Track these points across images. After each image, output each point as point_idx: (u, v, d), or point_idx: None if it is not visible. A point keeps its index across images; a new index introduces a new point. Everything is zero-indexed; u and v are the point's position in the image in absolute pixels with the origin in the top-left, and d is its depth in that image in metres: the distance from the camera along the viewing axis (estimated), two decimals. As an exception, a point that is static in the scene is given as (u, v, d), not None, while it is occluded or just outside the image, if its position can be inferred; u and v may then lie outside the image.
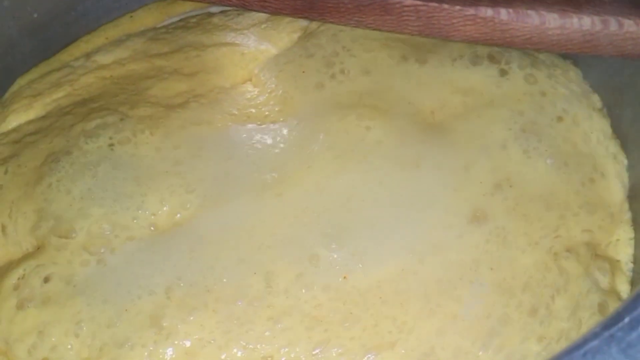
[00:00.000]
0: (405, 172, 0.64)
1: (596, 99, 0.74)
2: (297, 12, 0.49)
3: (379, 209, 0.63)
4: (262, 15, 0.82)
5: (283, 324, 0.59)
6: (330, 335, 0.58)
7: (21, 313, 0.62)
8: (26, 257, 0.65)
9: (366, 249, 0.62)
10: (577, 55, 0.75)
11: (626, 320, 0.32)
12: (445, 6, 0.46)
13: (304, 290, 0.60)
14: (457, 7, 0.46)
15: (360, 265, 0.61)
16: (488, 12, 0.46)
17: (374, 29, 0.49)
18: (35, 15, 0.83)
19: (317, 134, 0.68)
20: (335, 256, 0.61)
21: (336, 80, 0.70)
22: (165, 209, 0.65)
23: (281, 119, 0.71)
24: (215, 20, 0.84)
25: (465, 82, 0.70)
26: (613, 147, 0.71)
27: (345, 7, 0.48)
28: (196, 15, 0.87)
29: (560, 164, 0.67)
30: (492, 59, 0.70)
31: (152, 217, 0.65)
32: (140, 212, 0.65)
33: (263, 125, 0.71)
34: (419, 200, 0.64)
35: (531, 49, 0.48)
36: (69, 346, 0.60)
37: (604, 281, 0.63)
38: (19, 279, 0.63)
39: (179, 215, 0.65)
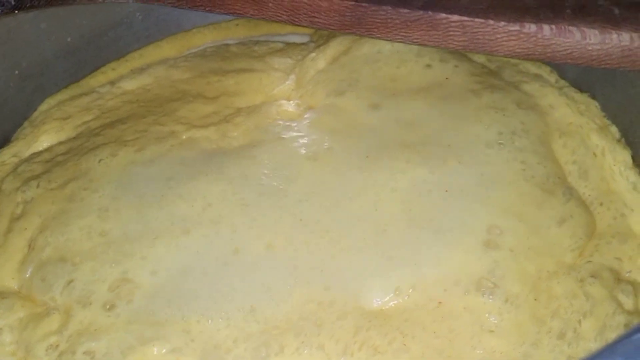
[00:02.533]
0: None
1: (614, 130, 0.76)
2: (344, 27, 0.52)
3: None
4: (277, 45, 0.87)
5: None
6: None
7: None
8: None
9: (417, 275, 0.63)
10: (594, 88, 0.78)
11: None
12: (491, 22, 0.49)
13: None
14: (502, 23, 0.49)
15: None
16: (532, 28, 0.49)
17: (419, 44, 0.52)
18: (69, 39, 0.85)
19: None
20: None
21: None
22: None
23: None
24: (233, 49, 0.89)
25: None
26: (633, 176, 0.73)
27: (393, 23, 0.50)
28: (214, 46, 0.91)
29: (597, 204, 0.70)
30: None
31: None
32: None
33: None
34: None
35: (571, 63, 0.51)
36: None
37: (628, 303, 0.64)
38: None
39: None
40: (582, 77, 0.79)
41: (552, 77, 0.81)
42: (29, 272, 0.66)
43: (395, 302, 0.61)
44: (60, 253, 0.65)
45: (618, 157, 0.73)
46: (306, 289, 0.62)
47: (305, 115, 0.76)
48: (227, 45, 0.90)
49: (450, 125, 0.72)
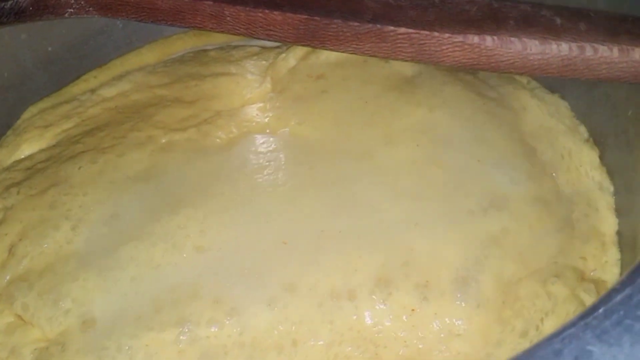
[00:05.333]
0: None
1: (583, 130, 0.77)
2: (299, 40, 0.53)
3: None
4: (254, 49, 0.89)
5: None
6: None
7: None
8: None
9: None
10: (564, 88, 0.79)
11: (601, 310, 0.34)
12: (436, 34, 0.50)
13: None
14: (447, 35, 0.50)
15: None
16: (475, 39, 0.50)
17: (370, 56, 0.53)
18: (50, 49, 0.87)
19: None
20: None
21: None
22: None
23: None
24: (211, 53, 0.90)
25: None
26: (599, 176, 0.73)
27: (344, 35, 0.52)
28: (193, 51, 0.93)
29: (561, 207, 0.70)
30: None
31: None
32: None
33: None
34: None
35: (515, 73, 0.52)
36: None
37: (590, 301, 0.65)
38: None
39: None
40: (552, 77, 0.80)
41: (524, 79, 0.82)
42: (6, 279, 0.67)
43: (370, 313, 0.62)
44: (30, 268, 0.67)
45: (584, 158, 0.74)
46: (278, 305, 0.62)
47: (284, 104, 0.78)
48: (206, 50, 0.92)
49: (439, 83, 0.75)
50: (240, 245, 0.66)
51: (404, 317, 0.62)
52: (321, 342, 0.61)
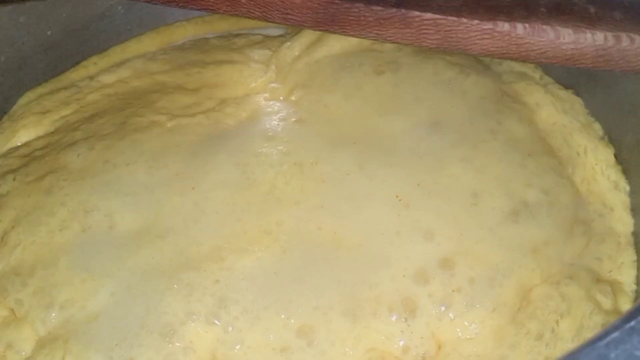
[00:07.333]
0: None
1: (598, 128, 0.75)
2: (318, 24, 0.51)
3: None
4: (257, 37, 0.87)
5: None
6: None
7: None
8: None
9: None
10: (578, 84, 0.77)
11: (646, 313, 0.33)
12: (464, 20, 0.48)
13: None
14: (475, 21, 0.48)
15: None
16: (505, 26, 0.48)
17: (392, 42, 0.51)
18: (49, 33, 0.84)
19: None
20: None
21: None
22: None
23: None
24: (213, 41, 0.89)
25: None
26: (614, 175, 0.72)
27: (365, 20, 0.50)
28: (194, 39, 0.91)
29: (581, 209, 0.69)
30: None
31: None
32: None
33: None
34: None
35: (546, 62, 0.50)
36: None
37: (606, 303, 0.64)
38: None
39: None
40: (566, 73, 0.79)
41: (537, 74, 0.81)
42: None
43: None
44: (21, 260, 0.64)
45: (600, 156, 0.72)
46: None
47: (293, 97, 0.76)
48: (207, 38, 0.90)
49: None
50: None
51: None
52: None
